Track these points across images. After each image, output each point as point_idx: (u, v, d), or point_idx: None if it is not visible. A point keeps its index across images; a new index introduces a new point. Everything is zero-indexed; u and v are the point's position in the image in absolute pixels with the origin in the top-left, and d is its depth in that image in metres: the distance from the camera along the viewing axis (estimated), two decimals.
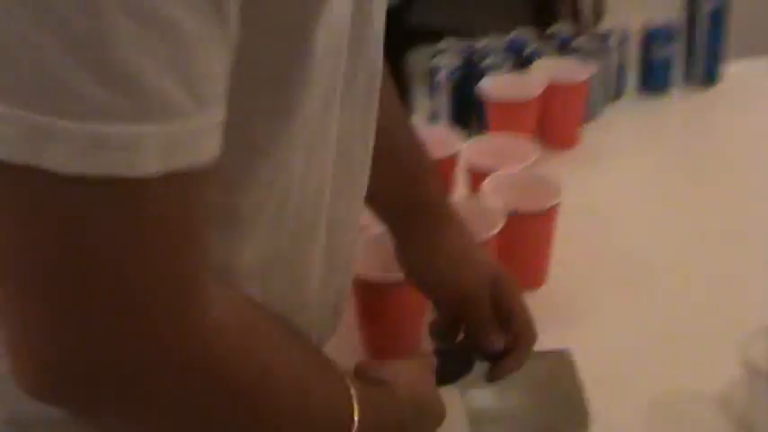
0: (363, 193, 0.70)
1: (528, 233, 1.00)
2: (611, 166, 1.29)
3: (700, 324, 0.94)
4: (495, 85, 1.26)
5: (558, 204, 0.99)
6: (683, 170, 1.31)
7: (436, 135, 1.11)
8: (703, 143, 1.38)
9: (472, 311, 0.77)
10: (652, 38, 1.42)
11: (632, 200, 1.21)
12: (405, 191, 0.79)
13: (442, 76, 1.33)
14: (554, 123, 1.29)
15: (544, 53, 1.35)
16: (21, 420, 0.55)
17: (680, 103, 1.45)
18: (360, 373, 0.64)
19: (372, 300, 0.90)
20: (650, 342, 0.93)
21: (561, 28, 1.44)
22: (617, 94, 1.42)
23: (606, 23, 1.96)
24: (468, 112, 1.32)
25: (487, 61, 1.32)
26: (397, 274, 0.82)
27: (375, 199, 0.74)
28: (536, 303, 0.80)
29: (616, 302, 1.00)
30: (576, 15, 2.35)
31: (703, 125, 1.43)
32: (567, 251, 1.04)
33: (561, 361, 0.87)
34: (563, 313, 0.97)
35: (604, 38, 1.40)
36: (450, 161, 1.13)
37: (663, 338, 0.93)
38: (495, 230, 0.92)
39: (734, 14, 1.42)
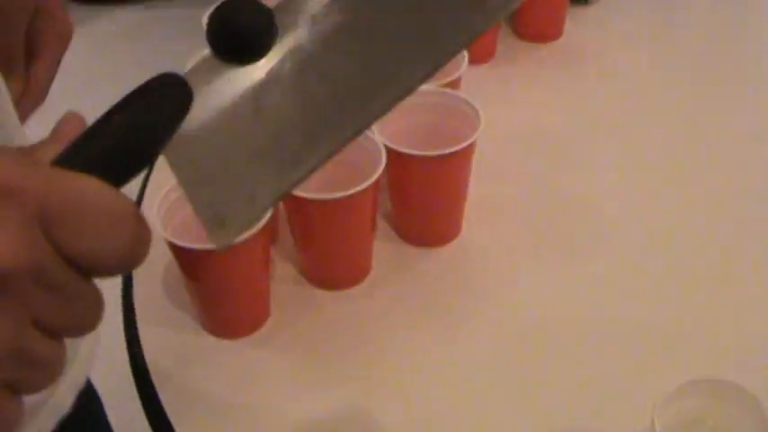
0: None
1: (425, 178, 0.77)
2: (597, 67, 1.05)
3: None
4: None
5: (470, 145, 0.74)
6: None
7: None
8: (720, 38, 1.12)
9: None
10: None
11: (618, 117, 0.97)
12: None
13: None
14: (530, 9, 1.04)
15: None
16: None
17: None
18: None
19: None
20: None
21: None
22: None
23: None
24: None
25: None
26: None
27: None
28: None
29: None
30: None
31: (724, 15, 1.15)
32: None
33: None
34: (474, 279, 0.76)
35: None
36: None
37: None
38: (377, 173, 0.71)
39: None
